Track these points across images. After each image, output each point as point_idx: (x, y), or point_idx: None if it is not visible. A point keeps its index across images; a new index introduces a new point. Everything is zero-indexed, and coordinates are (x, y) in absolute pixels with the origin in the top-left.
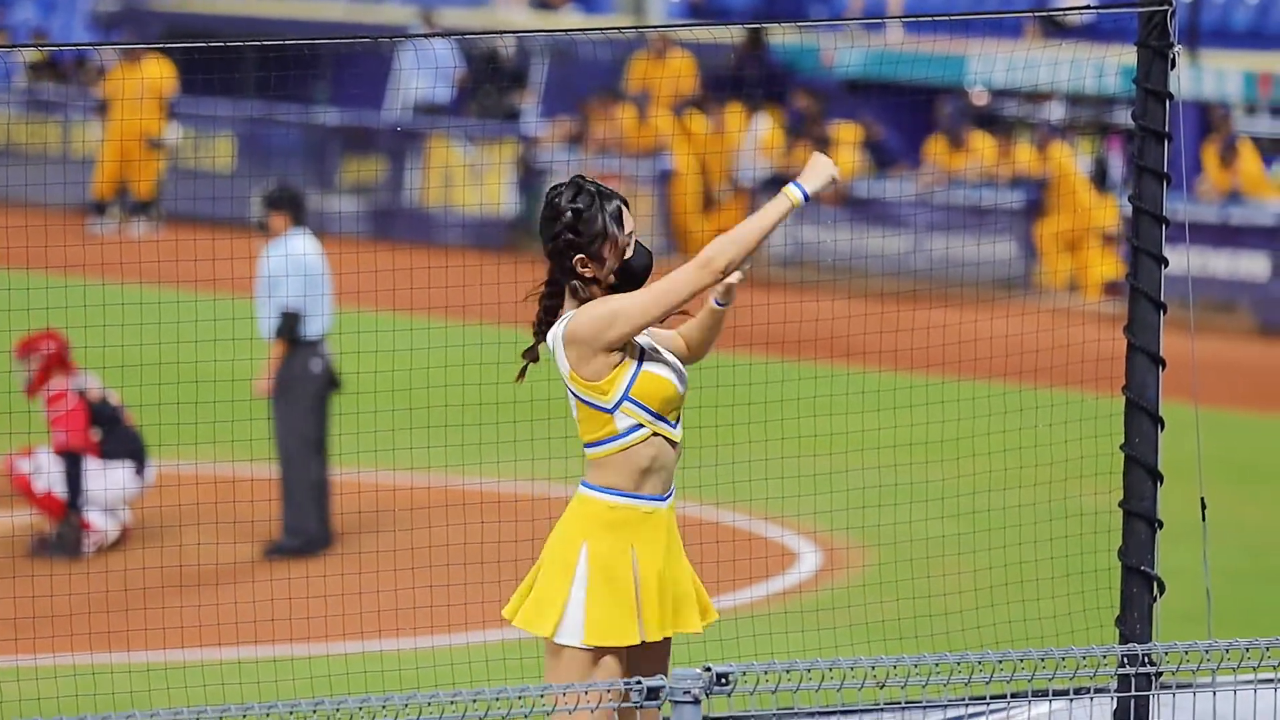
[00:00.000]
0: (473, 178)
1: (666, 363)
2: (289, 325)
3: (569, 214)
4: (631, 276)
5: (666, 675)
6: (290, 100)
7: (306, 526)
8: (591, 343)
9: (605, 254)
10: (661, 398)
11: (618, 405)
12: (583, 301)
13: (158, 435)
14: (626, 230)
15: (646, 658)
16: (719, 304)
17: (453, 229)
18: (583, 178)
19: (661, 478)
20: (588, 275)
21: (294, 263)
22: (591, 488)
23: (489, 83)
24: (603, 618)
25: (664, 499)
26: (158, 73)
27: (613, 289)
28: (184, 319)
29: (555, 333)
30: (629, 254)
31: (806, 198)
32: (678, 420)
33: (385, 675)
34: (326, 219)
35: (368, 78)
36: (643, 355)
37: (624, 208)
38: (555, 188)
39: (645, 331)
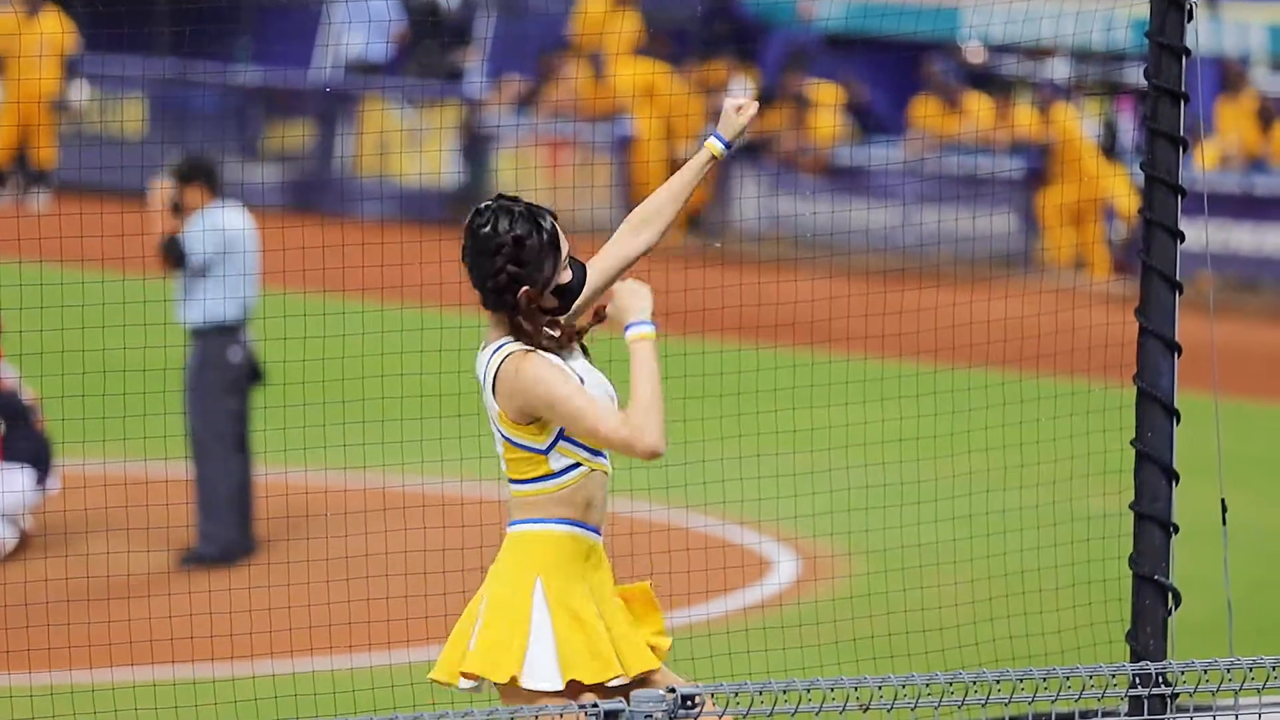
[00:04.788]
0: (411, 144)
1: (597, 387)
2: (174, 250)
3: (509, 245)
4: (566, 296)
5: None
6: (208, 58)
7: (226, 533)
8: (525, 409)
9: (550, 281)
10: None
11: (552, 446)
12: (519, 332)
13: (60, 431)
14: (564, 251)
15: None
16: (726, 146)
17: (388, 201)
18: (505, 197)
19: (599, 512)
20: (539, 307)
21: (213, 239)
22: (533, 522)
23: (430, 39)
24: (577, 654)
25: (601, 534)
26: (57, 27)
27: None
28: (90, 301)
29: (488, 367)
30: (564, 277)
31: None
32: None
33: (318, 699)
34: (247, 190)
35: (294, 33)
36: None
37: (556, 223)
38: (479, 215)
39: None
